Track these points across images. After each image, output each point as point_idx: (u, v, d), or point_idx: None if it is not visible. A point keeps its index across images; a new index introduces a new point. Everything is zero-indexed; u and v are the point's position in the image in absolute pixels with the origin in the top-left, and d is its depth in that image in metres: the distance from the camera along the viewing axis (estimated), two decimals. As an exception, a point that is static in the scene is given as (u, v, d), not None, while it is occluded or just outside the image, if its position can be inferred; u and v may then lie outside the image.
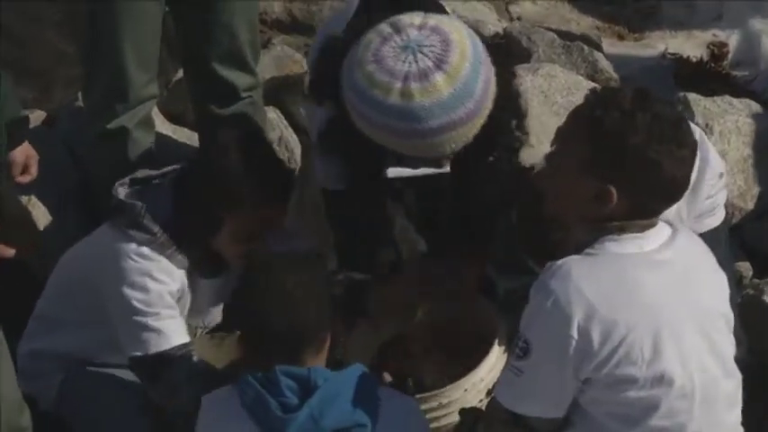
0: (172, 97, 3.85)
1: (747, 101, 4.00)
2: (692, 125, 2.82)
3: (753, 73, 4.71)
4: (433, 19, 2.53)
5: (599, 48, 4.54)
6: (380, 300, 2.98)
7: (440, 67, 2.45)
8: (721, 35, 4.99)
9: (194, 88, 3.44)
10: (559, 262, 2.30)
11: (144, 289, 2.75)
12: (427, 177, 2.76)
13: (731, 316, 2.45)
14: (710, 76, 4.64)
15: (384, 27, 2.52)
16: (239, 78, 3.36)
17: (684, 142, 2.31)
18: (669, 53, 4.84)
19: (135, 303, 2.75)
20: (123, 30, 3.11)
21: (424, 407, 2.73)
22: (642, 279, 2.31)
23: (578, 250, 2.33)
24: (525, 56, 4.22)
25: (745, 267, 3.73)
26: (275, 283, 2.41)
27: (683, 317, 2.32)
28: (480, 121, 2.52)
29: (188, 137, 3.76)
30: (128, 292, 2.75)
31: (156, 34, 3.22)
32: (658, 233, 2.37)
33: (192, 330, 2.96)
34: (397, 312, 3.01)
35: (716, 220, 2.87)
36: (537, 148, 3.11)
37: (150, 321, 2.75)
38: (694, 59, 4.75)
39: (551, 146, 2.39)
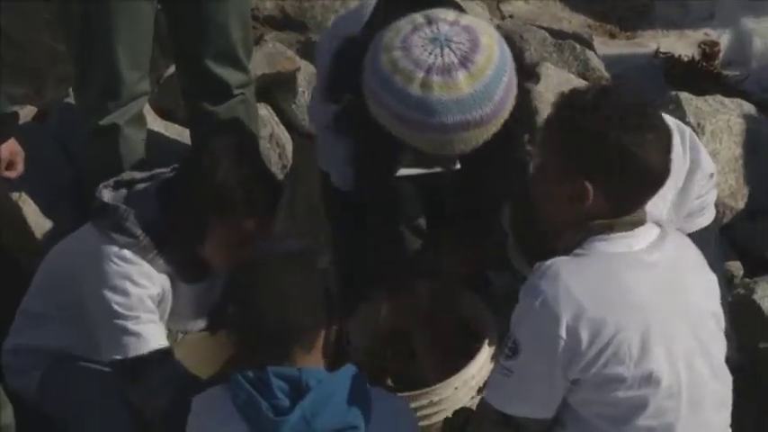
0: (163, 93, 3.84)
1: (739, 100, 4.01)
2: (683, 125, 2.84)
3: (744, 72, 4.72)
4: (467, 19, 2.53)
5: (591, 46, 4.54)
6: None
7: (464, 65, 2.44)
8: (713, 34, 4.99)
9: (187, 86, 3.43)
10: (548, 262, 2.31)
11: (124, 292, 2.75)
12: (433, 173, 2.75)
13: (722, 316, 2.45)
14: (702, 76, 4.65)
15: (417, 17, 2.51)
16: (232, 76, 3.35)
17: (651, 127, 2.31)
18: (661, 52, 4.85)
19: (115, 307, 2.75)
20: (117, 29, 3.10)
21: (415, 405, 2.73)
22: (631, 278, 2.31)
23: (567, 251, 2.34)
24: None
25: (736, 267, 3.74)
26: (269, 281, 2.39)
27: (672, 316, 2.33)
28: (494, 127, 2.50)
29: (179, 133, 3.75)
30: (108, 295, 2.75)
31: (149, 33, 3.21)
32: (647, 232, 2.37)
33: (173, 335, 2.96)
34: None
35: (706, 219, 2.88)
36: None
37: (130, 325, 2.75)
38: (686, 58, 4.76)
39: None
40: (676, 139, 2.73)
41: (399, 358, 3.09)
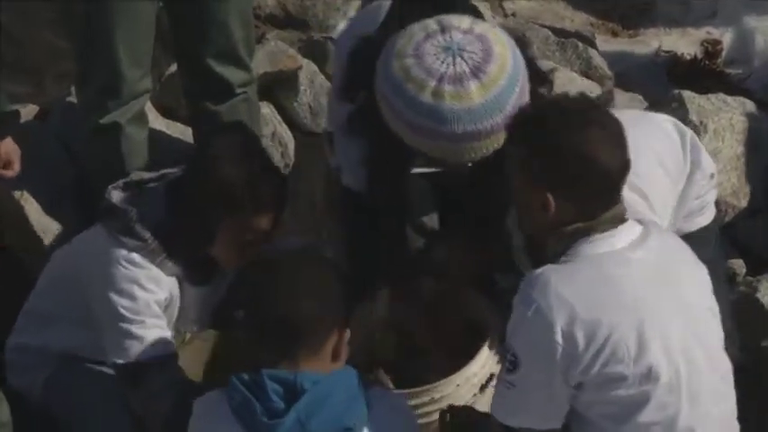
0: (165, 91, 3.84)
1: (741, 99, 4.01)
2: (683, 126, 2.84)
3: (747, 71, 4.71)
4: (481, 27, 2.52)
5: (593, 45, 4.54)
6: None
7: (476, 75, 2.45)
8: (715, 32, 4.99)
9: (189, 85, 3.43)
10: (538, 271, 2.32)
11: (131, 296, 2.74)
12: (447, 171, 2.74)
13: (716, 308, 2.45)
14: (704, 74, 4.65)
15: (431, 23, 2.51)
16: (234, 75, 3.35)
17: (597, 125, 2.32)
18: (663, 50, 4.84)
19: (121, 310, 2.74)
20: (119, 29, 3.10)
21: (415, 402, 2.72)
22: (619, 276, 2.32)
23: (554, 259, 2.34)
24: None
25: (739, 265, 3.73)
26: (277, 279, 2.36)
27: (665, 311, 2.34)
28: (504, 136, 2.48)
29: (181, 132, 3.75)
30: (115, 298, 2.74)
31: (151, 31, 3.21)
32: (630, 230, 2.37)
33: (180, 336, 2.95)
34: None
35: (705, 219, 2.87)
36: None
37: (134, 329, 2.74)
38: (688, 57, 4.76)
39: None
40: (676, 144, 2.74)
41: (399, 357, 3.08)
